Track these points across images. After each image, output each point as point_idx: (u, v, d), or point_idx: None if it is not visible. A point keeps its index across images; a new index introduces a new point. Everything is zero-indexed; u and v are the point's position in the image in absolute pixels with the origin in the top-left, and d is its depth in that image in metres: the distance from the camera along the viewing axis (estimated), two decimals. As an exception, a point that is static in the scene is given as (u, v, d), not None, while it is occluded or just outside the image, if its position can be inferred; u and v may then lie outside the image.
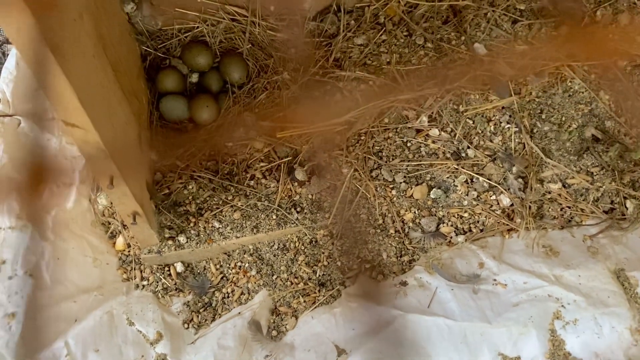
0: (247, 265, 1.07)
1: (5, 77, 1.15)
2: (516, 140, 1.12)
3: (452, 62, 1.22)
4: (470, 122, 1.14)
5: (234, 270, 1.07)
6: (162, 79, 1.19)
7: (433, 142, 1.12)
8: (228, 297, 1.06)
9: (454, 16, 1.29)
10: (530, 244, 1.04)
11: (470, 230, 1.07)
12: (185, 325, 1.03)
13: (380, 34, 1.27)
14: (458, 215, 1.08)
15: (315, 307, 1.02)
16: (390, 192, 1.09)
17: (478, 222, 1.07)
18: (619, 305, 0.93)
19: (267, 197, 1.09)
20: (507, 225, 1.06)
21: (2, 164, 1.04)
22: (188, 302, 1.05)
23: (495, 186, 1.08)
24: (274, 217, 1.07)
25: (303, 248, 1.07)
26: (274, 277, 1.06)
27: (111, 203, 1.10)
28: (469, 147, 1.12)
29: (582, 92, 1.16)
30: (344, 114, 1.13)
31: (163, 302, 1.05)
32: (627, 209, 1.07)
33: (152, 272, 1.06)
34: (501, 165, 1.10)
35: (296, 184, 1.09)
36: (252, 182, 1.10)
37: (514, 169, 1.09)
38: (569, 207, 1.08)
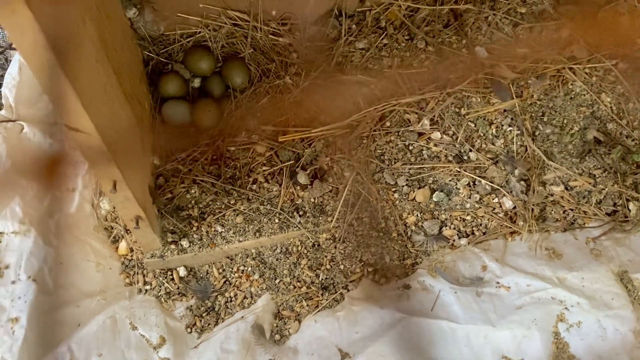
0: (249, 269, 1.07)
1: (8, 83, 1.15)
2: (518, 143, 1.12)
3: (454, 65, 1.22)
4: (472, 125, 1.14)
5: (236, 274, 1.07)
6: (164, 83, 1.19)
7: (435, 145, 1.12)
8: (231, 301, 1.06)
9: (455, 20, 1.29)
10: (533, 246, 1.04)
11: (473, 233, 1.07)
12: (188, 330, 1.03)
13: (382, 38, 1.27)
14: (461, 218, 1.08)
15: (318, 311, 1.02)
16: (393, 195, 1.09)
17: (481, 225, 1.07)
18: (622, 307, 0.93)
19: (270, 201, 1.09)
20: (510, 228, 1.06)
21: (5, 169, 1.04)
22: (191, 306, 1.05)
23: (498, 189, 1.08)
24: (277, 220, 1.07)
25: (306, 252, 1.07)
26: (277, 281, 1.06)
27: (114, 207, 1.10)
28: (471, 150, 1.12)
29: (584, 95, 1.17)
30: (345, 118, 1.14)
31: (166, 306, 1.05)
32: (629, 211, 1.07)
33: (154, 276, 1.06)
34: (503, 168, 1.10)
35: (298, 187, 1.09)
36: (254, 186, 1.10)
37: (516, 172, 1.09)
38: (572, 210, 1.08)
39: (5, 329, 0.90)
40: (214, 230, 1.06)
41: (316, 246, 1.07)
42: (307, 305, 1.03)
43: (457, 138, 1.13)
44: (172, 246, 1.05)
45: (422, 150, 1.12)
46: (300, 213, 1.08)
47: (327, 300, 1.03)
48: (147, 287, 1.06)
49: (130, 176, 0.87)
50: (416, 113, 1.15)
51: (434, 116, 1.15)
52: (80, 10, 0.76)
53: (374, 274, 1.04)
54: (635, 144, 1.12)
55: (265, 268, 1.07)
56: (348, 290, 1.03)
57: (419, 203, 1.08)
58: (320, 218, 1.07)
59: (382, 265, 1.04)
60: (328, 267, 1.06)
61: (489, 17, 1.28)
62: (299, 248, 1.07)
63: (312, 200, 1.09)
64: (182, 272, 1.07)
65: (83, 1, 0.78)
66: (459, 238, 1.06)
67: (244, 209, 1.07)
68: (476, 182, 1.09)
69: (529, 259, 1.01)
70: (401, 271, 1.04)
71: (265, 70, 1.24)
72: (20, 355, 0.88)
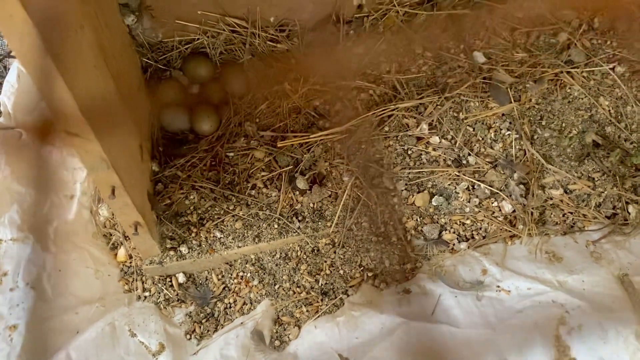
0: (249, 275, 1.06)
1: (7, 91, 1.15)
2: (517, 146, 1.12)
3: (452, 70, 1.23)
4: (471, 129, 1.14)
5: (235, 280, 1.07)
6: (163, 90, 1.20)
7: (434, 149, 1.12)
8: (230, 307, 1.05)
9: (452, 25, 1.30)
10: (533, 250, 1.03)
11: (472, 237, 1.07)
12: (188, 336, 1.02)
13: (380, 44, 1.28)
14: (460, 222, 1.07)
15: (318, 316, 1.01)
16: (392, 199, 1.09)
17: (480, 228, 1.07)
18: (623, 310, 0.93)
19: (269, 206, 1.08)
20: (510, 231, 1.06)
21: (4, 176, 1.04)
22: (190, 312, 1.04)
23: (497, 193, 1.08)
24: (276, 226, 1.06)
25: (305, 257, 1.06)
26: (276, 286, 1.05)
27: (112, 214, 1.10)
28: (469, 154, 1.12)
29: (582, 98, 1.17)
30: (344, 123, 1.14)
31: (165, 313, 1.04)
32: (629, 214, 1.07)
33: (153, 283, 1.06)
34: (502, 172, 1.10)
35: (297, 192, 1.09)
36: (253, 192, 1.10)
37: (515, 176, 1.09)
38: (571, 213, 1.08)
39: (3, 336, 0.90)
40: (213, 236, 1.06)
41: (315, 251, 1.07)
42: (307, 310, 1.02)
43: (455, 142, 1.13)
44: (171, 252, 1.05)
45: (421, 154, 1.12)
46: (300, 218, 1.07)
47: (326, 305, 1.02)
48: (146, 293, 1.05)
49: (128, 182, 0.87)
50: (414, 118, 1.16)
51: (432, 121, 1.15)
52: (79, 16, 0.76)
53: (374, 279, 1.03)
54: (634, 146, 1.12)
55: (264, 274, 1.06)
56: (348, 296, 1.03)
57: (419, 207, 1.08)
58: (320, 223, 1.07)
59: (382, 270, 1.04)
60: (328, 272, 1.05)
61: (486, 22, 1.28)
62: (299, 253, 1.07)
63: (311, 205, 1.09)
64: (181, 278, 1.06)
65: (82, 7, 0.78)
66: (459, 242, 1.06)
67: (243, 215, 1.07)
68: (475, 186, 1.09)
69: (529, 262, 1.01)
70: (401, 276, 1.03)
71: (263, 76, 1.24)
72: (18, 363, 0.87)
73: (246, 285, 1.06)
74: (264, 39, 1.26)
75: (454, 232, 1.06)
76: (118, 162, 0.83)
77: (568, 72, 1.19)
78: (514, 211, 1.07)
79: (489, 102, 1.17)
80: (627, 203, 1.08)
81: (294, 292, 1.05)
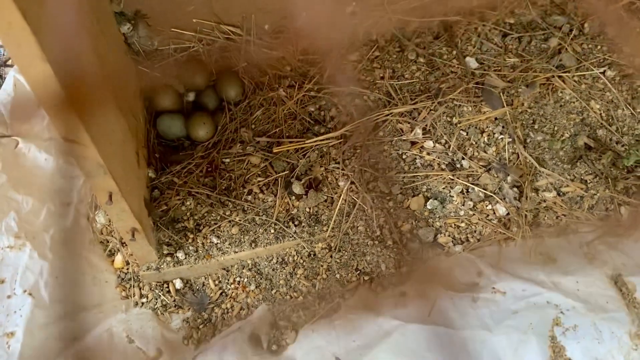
0: (246, 280, 1.07)
1: (3, 99, 1.16)
2: (510, 150, 1.13)
3: (445, 75, 1.24)
4: (464, 133, 1.16)
5: (232, 286, 1.07)
6: (158, 97, 1.20)
7: (428, 153, 1.13)
8: (227, 312, 1.05)
9: (444, 31, 1.31)
10: (527, 252, 1.04)
11: (467, 240, 1.08)
12: (185, 342, 1.02)
13: (373, 50, 1.29)
14: (455, 225, 1.08)
15: (315, 320, 1.02)
16: (387, 203, 1.10)
17: (475, 231, 1.08)
18: (617, 310, 0.93)
19: (265, 212, 1.09)
20: (504, 234, 1.07)
21: (1, 184, 1.04)
22: (187, 318, 1.05)
23: (491, 196, 1.09)
24: (272, 231, 1.07)
25: (302, 261, 1.07)
26: (273, 291, 1.06)
27: (109, 221, 1.10)
28: (463, 158, 1.13)
29: (573, 102, 1.18)
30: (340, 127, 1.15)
31: (162, 319, 1.04)
32: (621, 215, 1.08)
33: (151, 289, 1.06)
34: (496, 175, 1.11)
35: (293, 197, 1.10)
36: (249, 197, 1.11)
37: (509, 179, 1.10)
38: (565, 215, 1.09)
39: (0, 343, 0.90)
40: (210, 242, 1.07)
41: (312, 256, 1.07)
42: (304, 314, 1.03)
43: (449, 146, 1.14)
44: (168, 258, 1.05)
45: (416, 158, 1.14)
46: (296, 223, 1.08)
47: (323, 309, 1.03)
48: (144, 300, 1.06)
49: (126, 188, 0.88)
50: (409, 123, 1.17)
51: (426, 125, 1.16)
52: (78, 24, 0.77)
53: (370, 282, 1.04)
54: (625, 149, 1.14)
55: (261, 278, 1.07)
56: (344, 299, 1.03)
57: (414, 211, 1.09)
58: (316, 227, 1.08)
59: (378, 274, 1.05)
60: (324, 276, 1.06)
61: (478, 28, 1.30)
62: (295, 258, 1.07)
63: (307, 210, 1.09)
64: (178, 284, 1.07)
65: (81, 15, 0.79)
66: (454, 245, 1.07)
67: (240, 220, 1.08)
68: (469, 190, 1.10)
69: (523, 264, 1.02)
70: (397, 279, 1.04)
71: (259, 83, 1.25)
72: (16, 370, 0.87)
73: (243, 291, 1.07)
74: (259, 46, 1.27)
75: (449, 235, 1.07)
76: (115, 169, 0.83)
77: (559, 77, 1.20)
78: (508, 214, 1.08)
79: (481, 106, 1.18)
80: (619, 205, 1.09)
81: (291, 297, 1.05)
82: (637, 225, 1.06)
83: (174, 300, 1.06)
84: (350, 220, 1.08)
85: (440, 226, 1.08)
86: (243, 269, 1.07)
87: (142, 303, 1.05)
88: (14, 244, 1.00)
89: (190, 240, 1.06)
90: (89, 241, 1.08)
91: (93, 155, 0.77)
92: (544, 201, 1.10)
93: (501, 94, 1.19)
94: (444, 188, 1.10)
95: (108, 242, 1.09)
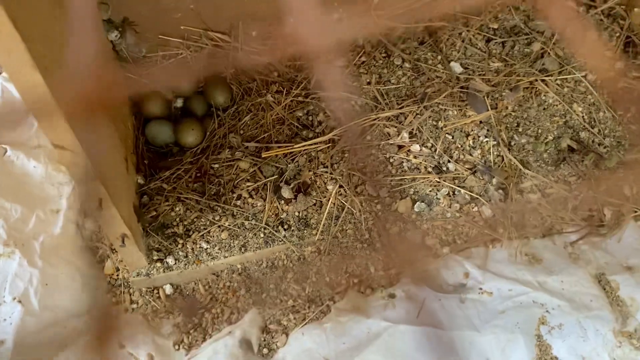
0: (235, 284, 1.07)
1: (-9, 107, 1.16)
2: (495, 153, 1.15)
3: (430, 80, 1.26)
4: (450, 137, 1.18)
5: (222, 290, 1.08)
6: (147, 104, 1.21)
7: (415, 157, 1.15)
8: (218, 317, 1.06)
9: (429, 37, 1.33)
10: (513, 252, 1.06)
11: (454, 242, 1.09)
12: (176, 347, 1.03)
13: (360, 56, 1.31)
14: (442, 227, 1.10)
15: (305, 324, 1.03)
16: (376, 206, 1.11)
17: (462, 233, 1.09)
18: (601, 308, 0.95)
19: (254, 216, 1.10)
20: (490, 235, 1.09)
21: (-11, 192, 1.04)
22: (178, 323, 1.05)
23: (477, 198, 1.11)
24: (262, 235, 1.08)
25: (291, 265, 1.08)
26: (263, 295, 1.06)
27: (99, 227, 1.10)
28: (449, 161, 1.15)
29: (556, 105, 1.21)
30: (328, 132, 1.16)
31: (153, 324, 1.05)
32: (605, 215, 1.10)
33: (141, 295, 1.07)
34: (481, 178, 1.13)
35: (282, 202, 1.11)
36: (239, 202, 1.11)
37: (494, 181, 1.12)
38: (549, 216, 1.11)
39: (-10, 351, 0.90)
40: (200, 247, 1.07)
41: (302, 259, 1.08)
42: (294, 318, 1.04)
43: (435, 150, 1.16)
44: (158, 264, 1.05)
45: (403, 162, 1.15)
46: (285, 227, 1.09)
47: (313, 312, 1.04)
48: (134, 305, 1.06)
49: (115, 194, 0.88)
50: (395, 127, 1.18)
51: (412, 129, 1.18)
52: (63, 33, 0.78)
53: (360, 285, 1.05)
54: (607, 151, 1.16)
55: (251, 283, 1.07)
56: (334, 302, 1.04)
57: (401, 214, 1.11)
58: (305, 231, 1.09)
59: (367, 276, 1.06)
60: (314, 279, 1.07)
61: (462, 34, 1.32)
62: (285, 262, 1.08)
63: (297, 214, 1.10)
64: (169, 289, 1.07)
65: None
66: (441, 247, 1.08)
67: (229, 225, 1.09)
68: (456, 192, 1.12)
69: (509, 264, 1.03)
70: (386, 281, 1.05)
71: (247, 89, 1.26)
72: (6, 378, 0.87)
73: (233, 295, 1.07)
74: (247, 52, 1.28)
75: (436, 237, 1.09)
76: (104, 175, 0.84)
77: (542, 80, 1.23)
78: (493, 215, 1.10)
79: (466, 110, 1.20)
80: (602, 205, 1.11)
81: (281, 301, 1.06)
82: (620, 225, 1.08)
83: (165, 306, 1.06)
84: (339, 224, 1.09)
85: (428, 228, 1.10)
86: (233, 273, 1.08)
87: (133, 309, 1.06)
88: (3, 252, 1.00)
89: (180, 246, 1.07)
90: (79, 248, 1.08)
91: (83, 162, 0.78)
92: (529, 202, 1.12)
93: (486, 97, 1.21)
94: (430, 191, 1.12)
95: (98, 248, 1.10)
